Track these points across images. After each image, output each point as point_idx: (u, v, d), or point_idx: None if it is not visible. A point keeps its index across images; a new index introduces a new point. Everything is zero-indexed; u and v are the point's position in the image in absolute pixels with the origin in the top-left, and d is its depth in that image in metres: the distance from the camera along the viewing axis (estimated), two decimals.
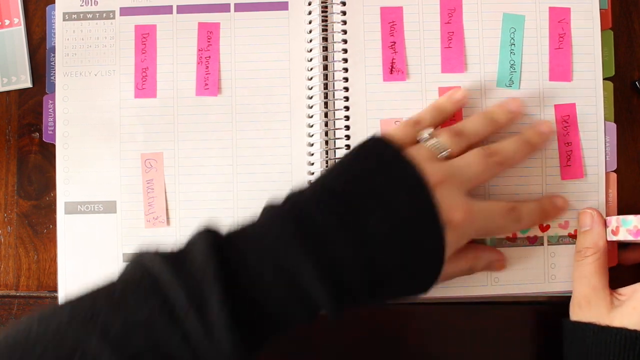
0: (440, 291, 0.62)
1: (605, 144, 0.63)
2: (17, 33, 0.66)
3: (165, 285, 0.44)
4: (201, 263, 0.45)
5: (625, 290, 0.57)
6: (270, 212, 0.50)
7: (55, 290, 0.64)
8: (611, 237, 0.59)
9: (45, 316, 0.44)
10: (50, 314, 0.45)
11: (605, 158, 0.63)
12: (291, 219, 0.48)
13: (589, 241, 0.59)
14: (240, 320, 0.44)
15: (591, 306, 0.57)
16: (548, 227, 0.62)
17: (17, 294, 0.65)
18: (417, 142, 0.56)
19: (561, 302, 0.62)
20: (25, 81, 0.66)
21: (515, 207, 0.57)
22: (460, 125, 0.58)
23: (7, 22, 0.66)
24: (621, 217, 0.58)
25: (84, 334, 0.43)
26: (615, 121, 0.63)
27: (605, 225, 0.60)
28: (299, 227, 0.47)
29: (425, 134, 0.56)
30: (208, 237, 0.47)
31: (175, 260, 0.46)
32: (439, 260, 0.51)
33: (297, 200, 0.50)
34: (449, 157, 0.55)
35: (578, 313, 0.58)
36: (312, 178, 0.62)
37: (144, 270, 0.46)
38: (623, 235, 0.57)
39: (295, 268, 0.46)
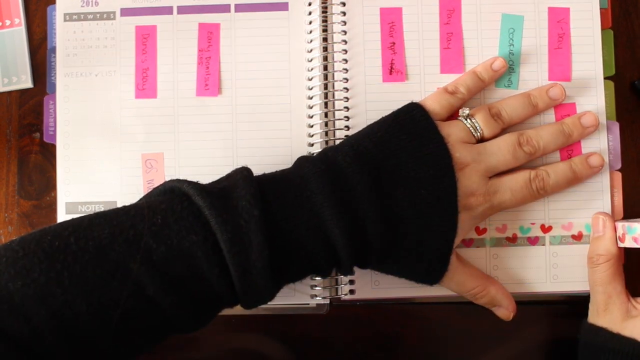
0: (441, 291, 0.61)
1: (608, 143, 0.62)
2: (17, 33, 0.66)
3: (209, 219, 0.46)
4: (246, 207, 0.47)
5: None
6: (308, 166, 0.52)
7: None
8: (618, 244, 0.59)
9: (81, 229, 0.46)
10: (86, 227, 0.46)
11: (609, 157, 0.62)
12: (327, 177, 0.50)
13: (601, 248, 0.59)
14: (274, 265, 0.47)
15: (607, 312, 0.57)
16: (550, 228, 0.62)
17: None
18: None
19: (562, 302, 0.62)
20: (25, 81, 0.66)
21: (539, 174, 0.58)
22: (499, 107, 0.59)
23: (7, 22, 0.66)
24: (627, 224, 0.58)
25: (127, 255, 0.45)
26: (616, 121, 0.63)
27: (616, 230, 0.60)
28: (334, 187, 0.50)
29: (464, 112, 0.58)
30: (252, 182, 0.49)
31: (219, 197, 0.48)
32: (449, 243, 0.54)
33: (333, 159, 0.52)
34: (481, 139, 0.57)
35: (595, 317, 0.58)
36: None
37: (185, 199, 0.48)
38: (629, 243, 0.57)
39: (327, 225, 0.49)
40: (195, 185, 0.49)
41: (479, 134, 0.57)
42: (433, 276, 0.55)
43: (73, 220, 0.48)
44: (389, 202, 0.51)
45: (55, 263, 0.44)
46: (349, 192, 0.50)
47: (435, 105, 0.57)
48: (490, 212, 0.57)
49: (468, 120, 0.57)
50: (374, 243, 0.51)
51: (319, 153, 0.54)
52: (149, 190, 0.52)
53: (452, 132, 0.55)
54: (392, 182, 0.52)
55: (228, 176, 0.52)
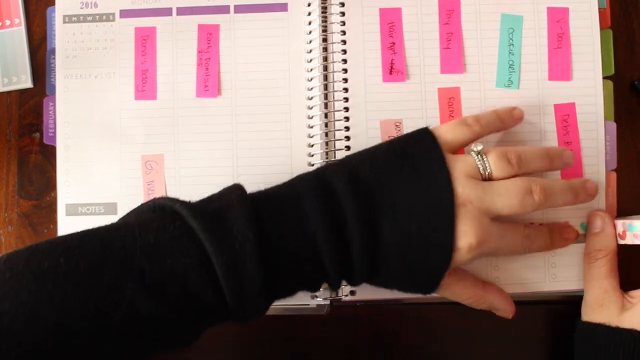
0: None
1: (605, 143, 0.63)
2: (17, 33, 0.66)
3: (203, 242, 0.46)
4: (241, 230, 0.47)
5: (636, 293, 0.57)
6: (304, 186, 0.51)
7: None
8: (618, 241, 0.59)
9: (71, 249, 0.45)
10: (75, 247, 0.45)
11: (606, 157, 0.62)
12: (321, 200, 0.50)
13: (600, 243, 0.59)
14: (267, 284, 0.47)
15: (602, 308, 0.57)
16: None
17: None
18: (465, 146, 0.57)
19: (561, 302, 0.63)
20: (25, 81, 0.66)
21: (530, 234, 0.56)
22: (516, 152, 0.55)
23: (7, 22, 0.66)
24: (627, 221, 0.58)
25: (120, 277, 0.44)
26: (615, 121, 0.63)
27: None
28: (327, 211, 0.49)
29: (477, 147, 0.54)
30: (246, 203, 0.49)
31: (213, 218, 0.47)
32: (440, 275, 0.52)
33: (329, 183, 0.51)
34: (489, 178, 0.54)
35: (590, 314, 0.58)
36: None
37: (178, 218, 0.48)
38: (630, 240, 0.57)
39: (318, 246, 0.49)
40: (188, 205, 0.49)
41: (487, 172, 0.53)
42: (424, 291, 0.54)
43: (62, 237, 0.47)
44: (379, 232, 0.50)
45: (45, 284, 0.43)
46: (341, 217, 0.49)
47: (448, 134, 0.55)
48: (479, 257, 0.53)
49: (479, 156, 0.54)
50: (360, 268, 0.50)
51: (317, 171, 0.53)
52: (137, 206, 0.52)
53: (460, 167, 0.52)
54: (384, 213, 0.50)
55: (221, 195, 0.51)
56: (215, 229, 0.46)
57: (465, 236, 0.51)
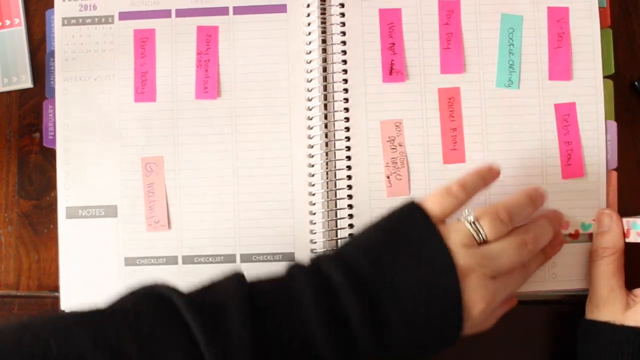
0: None
1: (606, 142, 0.63)
2: (17, 33, 0.66)
3: (199, 339, 0.45)
4: (237, 329, 0.46)
5: None
6: (301, 280, 0.50)
7: (56, 290, 0.64)
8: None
9: (62, 334, 0.44)
10: (67, 331, 0.45)
11: (606, 156, 0.62)
12: (320, 294, 0.48)
13: (607, 241, 0.59)
14: None
15: (607, 306, 0.57)
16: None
17: (18, 294, 0.65)
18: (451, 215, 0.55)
19: (563, 301, 0.63)
20: (25, 81, 0.66)
21: (526, 263, 0.56)
22: (504, 211, 0.54)
23: (7, 22, 0.66)
24: (631, 219, 0.58)
25: None
26: (615, 120, 0.63)
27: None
28: (330, 313, 0.48)
29: (469, 217, 0.53)
30: (244, 297, 0.48)
31: (210, 315, 0.46)
32: (451, 342, 0.52)
33: (327, 277, 0.50)
34: (484, 242, 0.53)
35: (594, 312, 0.59)
36: (313, 180, 0.62)
37: (173, 308, 0.47)
38: (634, 238, 0.58)
39: (318, 343, 0.47)
40: (183, 297, 0.47)
41: (482, 237, 0.53)
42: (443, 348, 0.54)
43: (52, 317, 0.46)
44: (386, 324, 0.49)
45: None
46: (344, 314, 0.48)
47: (436, 207, 0.53)
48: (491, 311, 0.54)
49: (472, 225, 0.53)
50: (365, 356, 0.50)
51: (314, 266, 0.52)
52: (135, 289, 0.50)
53: (455, 238, 0.52)
54: (389, 304, 0.49)
55: (219, 284, 0.50)
56: (212, 326, 0.45)
57: (475, 305, 0.51)
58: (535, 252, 0.55)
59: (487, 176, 0.57)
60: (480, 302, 0.51)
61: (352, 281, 0.49)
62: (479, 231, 0.53)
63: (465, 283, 0.50)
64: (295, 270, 0.51)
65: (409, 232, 0.52)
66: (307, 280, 0.49)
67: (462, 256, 0.51)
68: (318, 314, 0.47)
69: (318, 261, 0.51)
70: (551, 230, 0.57)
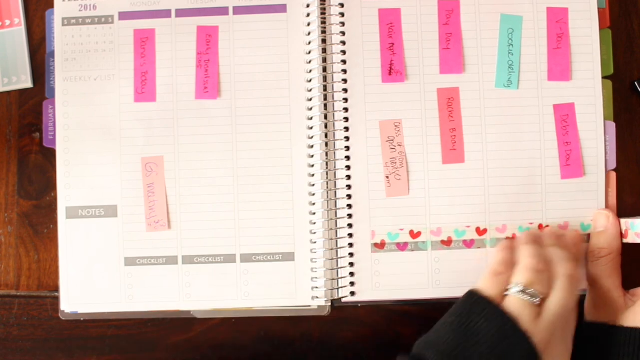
0: (445, 291, 0.62)
1: (605, 143, 0.63)
2: (17, 33, 0.66)
3: None
4: None
5: (638, 291, 0.58)
6: None
7: (56, 290, 0.64)
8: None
9: None
10: None
11: (605, 157, 0.63)
12: None
13: (603, 242, 0.60)
14: None
15: (605, 307, 0.58)
16: (548, 227, 0.62)
17: (18, 294, 0.65)
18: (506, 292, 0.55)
19: None
20: (25, 81, 0.66)
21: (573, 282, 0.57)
22: (539, 261, 0.56)
23: (7, 22, 0.66)
24: (630, 220, 0.58)
25: None
26: (615, 121, 0.63)
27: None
28: None
29: (518, 288, 0.54)
30: None
31: None
32: None
33: None
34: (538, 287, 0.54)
35: (592, 313, 0.59)
36: (312, 180, 0.63)
37: None
38: (632, 239, 0.58)
39: None
40: None
41: (538, 299, 0.53)
42: None
43: None
44: None
45: None
46: None
47: (492, 290, 0.55)
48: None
49: (524, 294, 0.54)
50: None
51: None
52: None
53: (522, 314, 0.53)
54: None
55: None
56: None
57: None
58: (578, 275, 0.56)
59: (512, 244, 0.59)
60: (565, 355, 0.54)
61: None
62: (534, 295, 0.53)
63: (547, 355, 0.52)
64: None
65: (487, 332, 0.52)
66: None
67: (535, 332, 0.52)
68: None
69: None
70: (571, 246, 0.59)
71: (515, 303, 0.53)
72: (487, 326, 0.52)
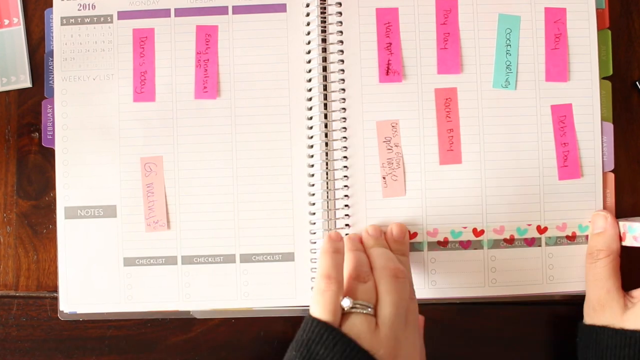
0: (441, 292, 0.62)
1: (602, 144, 0.63)
2: (16, 33, 0.66)
3: None
4: None
5: (638, 293, 0.58)
6: None
7: (55, 291, 0.64)
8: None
9: None
10: None
11: (603, 158, 0.63)
12: None
13: (601, 243, 0.60)
14: None
15: (605, 309, 0.58)
16: (546, 229, 0.62)
17: (17, 294, 0.65)
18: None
19: (561, 302, 0.63)
20: (24, 81, 0.66)
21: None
22: (359, 268, 0.55)
23: (6, 22, 0.66)
24: (628, 223, 0.58)
25: None
26: (614, 121, 0.63)
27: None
28: None
29: (347, 302, 0.52)
30: None
31: None
32: None
33: None
34: (375, 308, 0.53)
35: (592, 316, 0.59)
36: (312, 180, 0.63)
37: None
38: (629, 242, 0.58)
39: None
40: None
41: (370, 309, 0.52)
42: None
43: None
44: None
45: None
46: None
47: (329, 310, 0.52)
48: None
49: (355, 307, 0.52)
50: None
51: None
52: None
53: (361, 332, 0.51)
54: None
55: None
56: None
57: None
58: (405, 272, 0.55)
59: (334, 248, 0.57)
60: (414, 351, 0.53)
61: None
62: (364, 306, 0.52)
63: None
64: None
65: (325, 354, 0.50)
66: None
67: (378, 346, 0.50)
68: None
69: None
70: (393, 242, 0.60)
71: (352, 320, 0.52)
72: (329, 354, 0.50)
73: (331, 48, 0.63)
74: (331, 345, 0.50)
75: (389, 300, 0.52)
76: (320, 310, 0.52)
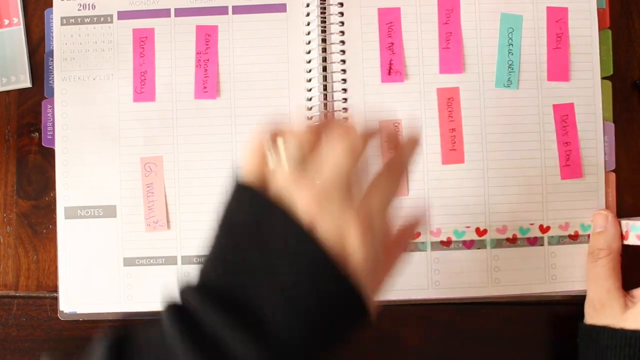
0: (440, 292, 0.62)
1: (604, 144, 0.63)
2: (16, 33, 0.66)
3: None
4: None
5: (638, 292, 0.57)
6: (168, 326, 0.40)
7: (55, 291, 0.64)
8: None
9: None
10: None
11: (604, 158, 0.63)
12: (178, 329, 0.39)
13: (602, 242, 0.59)
14: None
15: (605, 308, 0.57)
16: (548, 228, 0.62)
17: (17, 294, 0.65)
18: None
19: (562, 302, 0.63)
20: (24, 81, 0.66)
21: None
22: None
23: (6, 21, 0.66)
24: (631, 222, 0.58)
25: None
26: (615, 121, 0.63)
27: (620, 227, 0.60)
28: (188, 340, 0.38)
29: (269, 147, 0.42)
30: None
31: None
32: (363, 309, 0.43)
33: (188, 307, 0.40)
34: (307, 157, 0.42)
35: (593, 315, 0.58)
36: None
37: None
38: (632, 240, 0.58)
39: None
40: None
41: (299, 158, 0.42)
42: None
43: None
44: (257, 326, 0.39)
45: None
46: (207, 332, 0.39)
47: (252, 166, 0.43)
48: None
49: (276, 153, 0.42)
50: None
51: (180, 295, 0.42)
52: None
53: (278, 179, 0.42)
54: (254, 303, 0.39)
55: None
56: None
57: (343, 237, 0.40)
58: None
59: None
60: (351, 228, 0.40)
61: (209, 302, 0.39)
62: (289, 152, 0.42)
63: (320, 225, 0.40)
64: (164, 313, 0.41)
65: (242, 215, 0.42)
66: (174, 326, 0.39)
67: (295, 196, 0.40)
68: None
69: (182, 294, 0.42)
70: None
71: (271, 173, 0.42)
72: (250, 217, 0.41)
73: (332, 48, 0.63)
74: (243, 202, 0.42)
75: (336, 156, 0.42)
76: (249, 172, 0.43)
